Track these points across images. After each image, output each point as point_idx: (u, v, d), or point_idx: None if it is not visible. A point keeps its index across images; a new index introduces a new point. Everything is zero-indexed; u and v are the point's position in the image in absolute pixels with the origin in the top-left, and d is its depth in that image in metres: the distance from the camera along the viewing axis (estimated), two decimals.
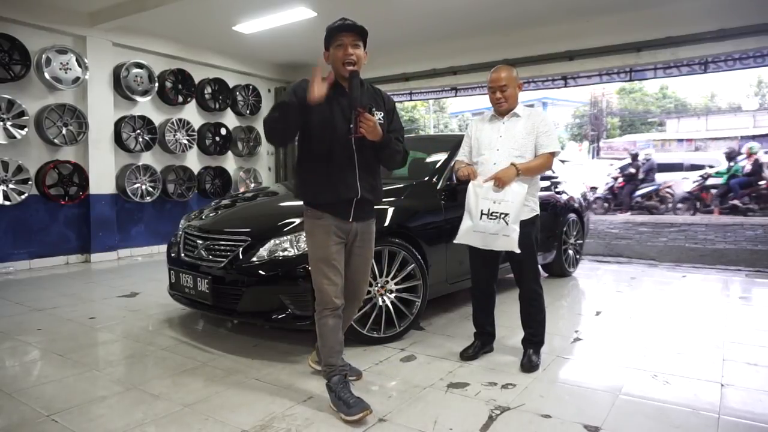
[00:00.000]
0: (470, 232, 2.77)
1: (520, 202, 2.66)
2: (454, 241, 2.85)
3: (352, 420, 2.17)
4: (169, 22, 6.54)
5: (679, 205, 11.16)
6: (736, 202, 10.10)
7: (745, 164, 10.68)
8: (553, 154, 2.79)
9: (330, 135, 2.24)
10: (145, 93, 6.92)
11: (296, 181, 2.42)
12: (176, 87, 7.40)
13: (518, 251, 2.69)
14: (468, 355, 2.96)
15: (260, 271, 2.98)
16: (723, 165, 11.42)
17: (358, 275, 2.45)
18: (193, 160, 7.84)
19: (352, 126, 2.18)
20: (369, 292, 3.11)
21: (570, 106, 35.75)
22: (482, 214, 2.70)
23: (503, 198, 2.66)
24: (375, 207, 2.45)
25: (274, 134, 2.27)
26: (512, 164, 2.70)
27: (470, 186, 2.79)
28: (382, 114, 2.33)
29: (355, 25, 2.23)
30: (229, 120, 8.33)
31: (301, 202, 2.39)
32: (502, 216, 2.65)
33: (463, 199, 2.82)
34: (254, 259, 3.02)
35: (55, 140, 6.04)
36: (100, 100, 6.53)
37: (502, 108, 2.84)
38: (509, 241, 2.67)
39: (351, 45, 2.22)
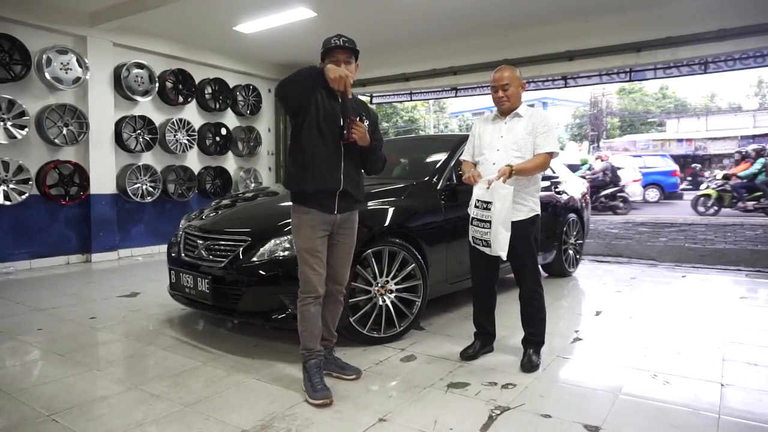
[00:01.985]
0: (472, 238, 2.80)
1: (506, 205, 2.60)
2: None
3: (312, 403, 2.37)
4: (170, 22, 6.54)
5: None
6: None
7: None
8: (550, 155, 2.78)
9: (322, 135, 2.44)
10: (145, 93, 6.92)
11: (285, 173, 2.57)
12: (176, 87, 7.40)
13: (504, 257, 2.69)
14: (468, 355, 2.96)
15: (260, 271, 2.98)
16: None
17: (341, 262, 2.61)
18: (194, 160, 7.85)
19: (345, 132, 2.39)
20: (369, 291, 3.12)
21: (570, 106, 35.79)
22: (473, 219, 2.74)
23: (489, 198, 2.63)
24: (359, 202, 2.62)
25: (288, 88, 2.35)
26: (508, 165, 2.68)
27: (475, 188, 2.76)
28: (367, 123, 2.54)
29: (347, 46, 2.45)
30: (230, 120, 8.34)
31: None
32: (489, 222, 2.64)
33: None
34: (254, 259, 3.02)
35: (56, 140, 6.04)
36: (100, 100, 6.53)
37: (504, 107, 2.84)
38: (497, 245, 2.64)
39: (344, 62, 2.44)
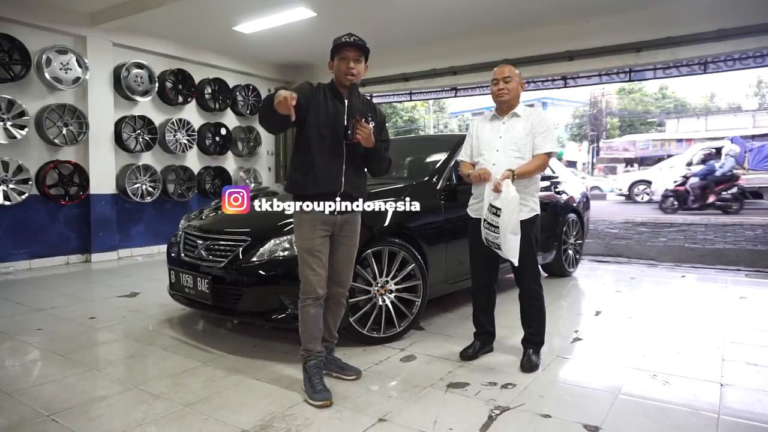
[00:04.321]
0: (485, 239, 2.78)
1: (514, 212, 2.61)
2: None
3: (312, 404, 2.37)
4: (169, 22, 6.54)
5: None
6: None
7: None
8: (549, 155, 2.78)
9: (325, 136, 2.42)
10: (145, 93, 6.92)
11: (287, 177, 2.59)
12: (176, 87, 7.40)
13: (516, 263, 2.69)
14: (468, 355, 2.96)
15: (260, 271, 2.98)
16: None
17: (343, 264, 2.59)
18: (193, 160, 7.85)
19: (349, 132, 2.37)
20: (369, 291, 3.12)
21: (570, 106, 35.82)
22: (485, 221, 2.71)
23: (500, 205, 2.64)
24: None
25: (263, 122, 2.40)
26: (509, 169, 2.67)
27: (486, 188, 2.74)
28: (373, 124, 2.50)
29: (358, 43, 2.42)
30: (229, 120, 8.33)
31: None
32: (498, 228, 2.64)
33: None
34: (254, 259, 3.02)
35: (56, 140, 6.04)
36: (100, 100, 6.53)
37: (504, 99, 2.82)
38: (507, 250, 2.65)
39: (353, 60, 2.42)
